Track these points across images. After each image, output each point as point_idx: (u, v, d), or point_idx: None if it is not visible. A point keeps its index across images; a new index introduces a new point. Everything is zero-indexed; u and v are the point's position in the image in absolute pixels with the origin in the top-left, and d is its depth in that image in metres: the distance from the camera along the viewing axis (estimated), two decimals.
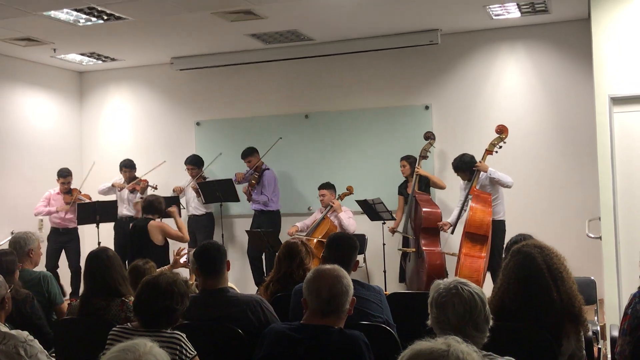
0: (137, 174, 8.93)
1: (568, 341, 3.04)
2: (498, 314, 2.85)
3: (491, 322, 2.53)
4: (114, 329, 3.14)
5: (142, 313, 3.08)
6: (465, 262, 6.49)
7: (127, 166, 8.87)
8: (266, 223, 8.22)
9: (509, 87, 8.11)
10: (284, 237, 7.62)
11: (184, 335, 3.01)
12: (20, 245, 4.99)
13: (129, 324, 3.14)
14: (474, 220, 6.59)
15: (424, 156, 7.71)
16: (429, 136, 7.80)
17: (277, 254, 4.64)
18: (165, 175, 9.12)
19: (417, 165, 7.68)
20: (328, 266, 2.97)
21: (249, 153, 8.51)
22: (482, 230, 6.58)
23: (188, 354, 2.95)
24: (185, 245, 6.85)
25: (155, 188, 8.70)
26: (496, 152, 7.06)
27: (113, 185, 8.92)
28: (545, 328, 2.97)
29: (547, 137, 7.95)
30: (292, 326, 2.88)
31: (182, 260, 5.57)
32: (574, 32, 7.79)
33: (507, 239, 4.82)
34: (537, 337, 2.95)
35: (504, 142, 7.07)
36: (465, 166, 7.11)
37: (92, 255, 4.15)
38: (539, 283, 3.06)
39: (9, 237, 8.35)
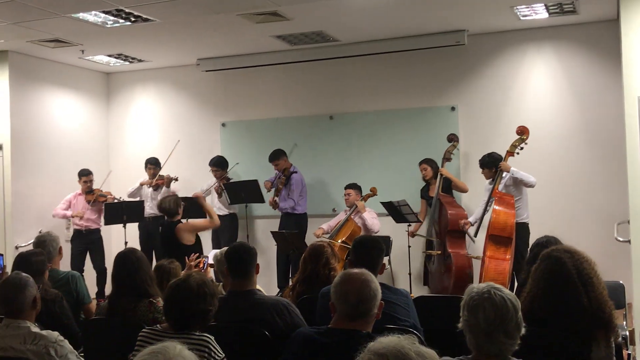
0: (162, 172, 9.01)
1: (598, 347, 2.99)
2: (527, 320, 2.81)
3: (523, 330, 2.50)
4: (143, 330, 3.14)
5: (174, 317, 3.06)
6: (490, 265, 6.43)
7: (153, 163, 8.97)
8: (293, 225, 8.22)
9: (536, 89, 8.04)
10: (310, 239, 7.63)
11: (213, 338, 3.00)
12: (51, 245, 5.06)
13: (158, 325, 3.14)
14: (498, 223, 6.53)
15: (447, 158, 7.68)
16: (452, 138, 7.77)
17: (302, 255, 4.64)
18: (191, 176, 9.18)
19: (441, 166, 7.63)
20: (356, 270, 2.96)
21: (276, 156, 8.48)
22: (506, 233, 6.52)
23: (217, 357, 2.94)
24: (210, 253, 6.81)
25: (176, 179, 8.77)
26: (517, 153, 6.96)
27: (141, 185, 9.00)
28: (574, 334, 2.93)
29: (575, 139, 7.86)
30: (320, 330, 2.88)
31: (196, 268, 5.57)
32: (602, 33, 7.69)
33: (531, 242, 4.77)
34: (566, 343, 2.92)
35: (525, 144, 6.98)
36: (491, 163, 7.04)
37: (121, 256, 4.18)
38: (569, 289, 3.02)
39: None
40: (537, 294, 3.07)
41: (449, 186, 7.69)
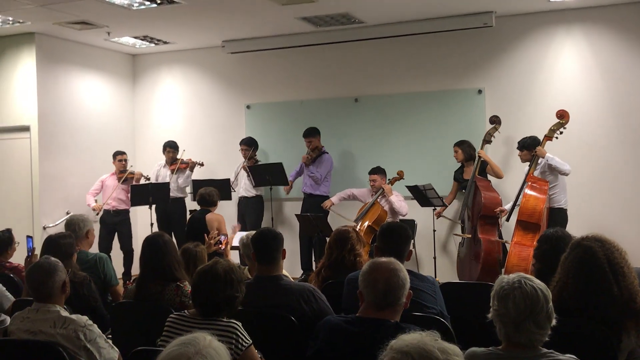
0: (185, 156, 9.04)
1: (628, 337, 2.96)
2: (556, 309, 2.79)
3: (554, 322, 2.48)
4: (171, 316, 3.14)
5: (202, 303, 3.06)
6: (514, 250, 6.33)
7: (171, 147, 9.00)
8: (315, 207, 8.20)
9: (565, 72, 7.91)
10: (332, 222, 7.62)
11: (240, 324, 3.01)
12: (79, 227, 5.09)
13: (186, 311, 3.15)
14: (527, 208, 6.42)
15: (487, 141, 7.50)
16: (495, 120, 7.53)
17: (328, 240, 4.63)
18: (215, 159, 9.21)
19: (480, 148, 7.51)
20: (384, 259, 2.94)
21: (312, 133, 8.47)
22: (534, 219, 6.39)
23: (244, 343, 2.95)
24: (236, 235, 6.88)
25: (201, 165, 8.80)
26: (556, 137, 6.78)
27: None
28: (604, 324, 2.90)
29: (605, 123, 7.73)
30: (348, 319, 2.87)
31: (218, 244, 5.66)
32: (633, 14, 7.55)
33: (569, 229, 4.70)
34: (596, 333, 2.89)
35: (564, 128, 6.82)
36: (532, 145, 6.88)
37: (149, 240, 4.20)
38: (600, 278, 2.99)
39: (64, 218, 8.59)
40: (566, 283, 3.04)
41: (483, 170, 7.54)
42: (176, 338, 2.03)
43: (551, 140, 6.80)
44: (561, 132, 6.79)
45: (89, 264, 4.88)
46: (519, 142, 7.09)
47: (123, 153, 8.87)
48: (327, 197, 8.40)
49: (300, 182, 8.68)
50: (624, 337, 2.95)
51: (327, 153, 8.49)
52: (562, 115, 6.80)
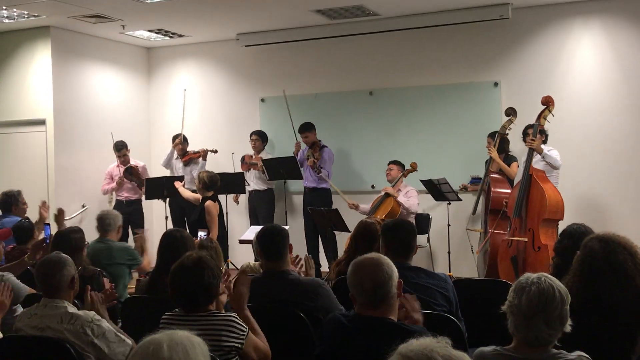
0: (198, 148, 9.05)
1: None
2: None
3: (568, 328, 2.44)
4: (165, 315, 3.13)
5: (181, 301, 3.06)
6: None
7: (179, 138, 9.01)
8: (320, 201, 8.16)
9: (582, 64, 7.80)
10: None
11: (235, 315, 3.05)
12: (114, 221, 5.53)
13: (177, 309, 3.12)
14: (551, 205, 6.26)
15: (502, 133, 7.39)
16: (510, 113, 7.27)
17: (351, 233, 4.60)
18: (231, 150, 9.18)
19: (494, 143, 7.36)
20: (365, 256, 2.87)
21: (309, 128, 8.45)
22: (559, 215, 6.29)
23: (243, 332, 3.00)
24: (249, 229, 7.09)
25: (215, 152, 8.80)
26: (548, 122, 6.59)
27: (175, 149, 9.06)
28: (615, 327, 2.81)
29: (622, 115, 7.62)
30: (348, 316, 2.83)
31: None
32: None
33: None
34: (604, 335, 2.81)
35: (552, 115, 6.58)
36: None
37: (167, 235, 4.29)
38: (598, 280, 2.89)
39: (81, 210, 8.66)
40: (572, 286, 2.97)
41: (508, 164, 7.40)
42: None
43: (542, 127, 6.65)
44: (547, 121, 6.62)
45: (120, 251, 5.38)
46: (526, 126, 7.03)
47: (121, 148, 8.79)
48: (329, 190, 8.38)
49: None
50: (638, 339, 2.85)
51: (326, 146, 8.47)
52: (547, 102, 6.61)
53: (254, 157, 8.84)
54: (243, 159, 8.96)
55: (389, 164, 7.93)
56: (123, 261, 5.34)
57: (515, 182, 6.95)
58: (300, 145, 8.61)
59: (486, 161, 7.67)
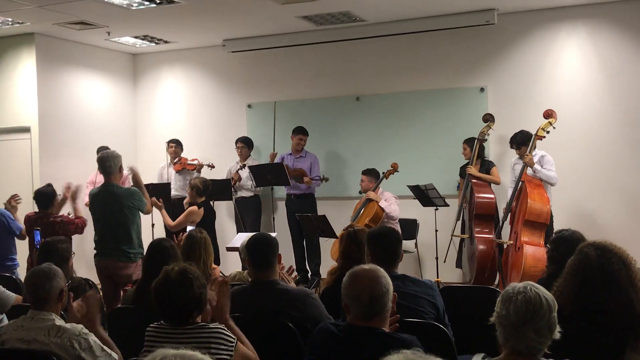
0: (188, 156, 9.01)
1: (636, 352, 2.82)
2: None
3: (557, 335, 2.43)
4: (150, 327, 3.06)
5: (170, 315, 2.98)
6: (528, 251, 6.22)
7: (175, 143, 9.00)
8: (305, 207, 8.17)
9: (568, 69, 7.85)
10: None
11: (223, 326, 2.99)
12: (113, 162, 5.65)
13: (162, 322, 3.05)
14: (534, 209, 6.31)
15: (481, 139, 7.47)
16: (488, 118, 7.48)
17: (344, 241, 4.56)
18: (216, 158, 9.13)
19: (474, 148, 7.42)
20: (364, 267, 2.85)
21: (306, 132, 8.50)
22: (542, 218, 6.36)
23: (232, 341, 2.95)
24: (236, 236, 7.08)
25: (212, 167, 8.74)
26: (544, 137, 6.78)
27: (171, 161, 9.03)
28: (605, 335, 2.81)
29: (608, 121, 7.68)
30: (339, 326, 2.81)
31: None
32: (637, 12, 7.48)
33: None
34: (593, 343, 2.80)
35: (553, 127, 6.78)
36: (521, 141, 6.92)
37: (153, 245, 4.23)
38: (588, 287, 2.88)
39: None
40: (563, 291, 2.96)
41: (488, 168, 7.48)
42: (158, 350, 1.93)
43: (541, 139, 6.78)
44: (548, 132, 6.75)
45: (127, 191, 5.65)
46: (510, 140, 7.10)
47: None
48: (314, 196, 8.43)
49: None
50: (627, 351, 2.83)
51: (308, 152, 8.54)
52: (550, 115, 6.76)
53: (239, 163, 8.78)
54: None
55: (362, 174, 7.86)
56: (133, 205, 5.61)
57: (509, 193, 7.03)
58: (276, 155, 8.63)
59: (461, 167, 7.73)
